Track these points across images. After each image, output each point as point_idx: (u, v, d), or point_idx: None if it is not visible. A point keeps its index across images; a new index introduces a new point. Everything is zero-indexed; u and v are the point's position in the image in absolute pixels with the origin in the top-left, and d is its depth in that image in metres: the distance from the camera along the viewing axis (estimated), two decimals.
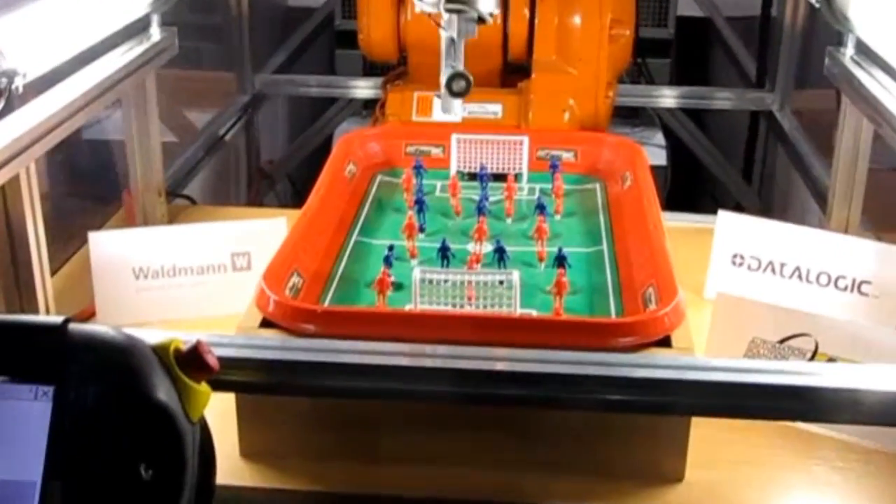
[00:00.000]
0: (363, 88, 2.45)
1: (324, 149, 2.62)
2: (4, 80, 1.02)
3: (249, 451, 1.15)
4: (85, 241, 1.41)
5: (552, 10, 1.77)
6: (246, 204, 2.49)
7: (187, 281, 1.42)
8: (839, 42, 1.65)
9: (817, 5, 1.63)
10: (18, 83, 1.03)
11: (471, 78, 1.26)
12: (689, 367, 1.02)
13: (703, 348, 1.21)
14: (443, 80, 1.28)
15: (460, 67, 1.27)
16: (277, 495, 1.12)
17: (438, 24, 1.28)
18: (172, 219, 1.72)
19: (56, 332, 0.74)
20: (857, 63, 1.58)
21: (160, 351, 0.75)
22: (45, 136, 1.22)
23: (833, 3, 1.58)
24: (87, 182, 2.11)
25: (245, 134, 2.46)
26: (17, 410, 0.73)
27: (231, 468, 1.12)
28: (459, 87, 1.25)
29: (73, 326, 0.75)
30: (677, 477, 1.13)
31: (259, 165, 2.57)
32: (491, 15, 1.28)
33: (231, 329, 1.15)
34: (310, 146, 2.65)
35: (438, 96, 1.32)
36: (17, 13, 1.14)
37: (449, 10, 1.24)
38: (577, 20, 1.78)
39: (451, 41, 1.27)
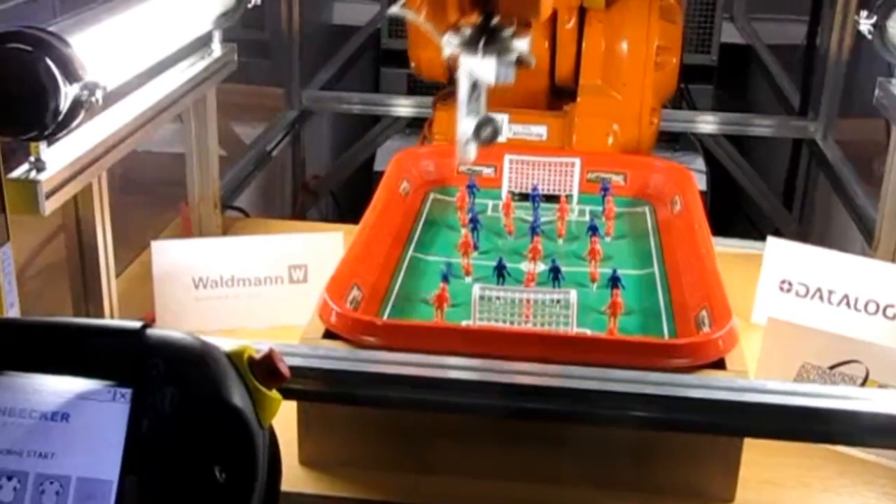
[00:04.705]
0: (407, 107, 2.46)
1: (367, 166, 2.65)
2: (86, 92, 1.06)
3: (308, 458, 1.18)
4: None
5: (600, 34, 1.79)
6: (290, 218, 2.51)
7: (244, 291, 1.44)
8: (889, 73, 1.66)
9: (869, 36, 1.64)
10: (98, 96, 1.06)
11: (500, 126, 1.18)
12: (744, 389, 1.04)
13: (753, 372, 1.22)
14: (464, 125, 1.19)
15: (486, 113, 1.19)
16: (334, 503, 1.14)
17: (456, 67, 1.18)
18: (226, 230, 1.75)
19: (134, 336, 0.76)
20: None
21: (234, 357, 0.77)
22: (117, 146, 1.26)
23: (885, 33, 1.59)
24: None
25: (291, 149, 2.49)
26: (95, 411, 0.75)
27: (290, 475, 1.12)
28: (487, 134, 1.17)
29: (150, 331, 0.77)
30: (727, 497, 1.15)
31: (304, 180, 2.59)
32: (530, 57, 1.18)
33: (288, 340, 1.17)
34: (354, 163, 2.67)
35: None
36: (95, 28, 1.17)
37: (488, 52, 1.14)
38: (624, 46, 1.80)
39: (474, 86, 1.17)
